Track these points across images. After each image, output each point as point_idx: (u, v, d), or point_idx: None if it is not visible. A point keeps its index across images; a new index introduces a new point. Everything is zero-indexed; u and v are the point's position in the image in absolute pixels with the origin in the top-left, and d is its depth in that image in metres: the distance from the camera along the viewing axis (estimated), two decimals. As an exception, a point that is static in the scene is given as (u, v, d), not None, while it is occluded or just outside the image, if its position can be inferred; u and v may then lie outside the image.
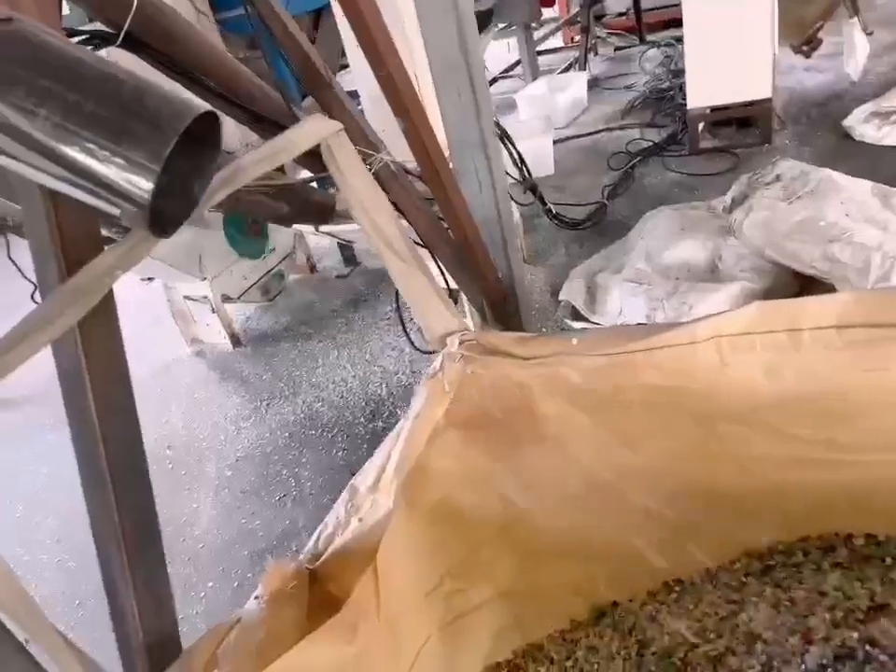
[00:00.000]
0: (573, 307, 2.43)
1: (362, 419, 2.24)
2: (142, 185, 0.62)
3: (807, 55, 3.72)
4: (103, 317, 0.80)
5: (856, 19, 3.35)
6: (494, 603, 1.31)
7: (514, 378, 1.03)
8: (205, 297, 2.67)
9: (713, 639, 1.00)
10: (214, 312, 2.71)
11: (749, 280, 2.09)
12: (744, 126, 3.33)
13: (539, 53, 4.96)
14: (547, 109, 3.82)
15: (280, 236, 2.86)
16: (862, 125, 2.98)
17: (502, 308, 1.63)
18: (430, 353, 2.07)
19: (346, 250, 3.11)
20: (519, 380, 1.04)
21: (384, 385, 2.37)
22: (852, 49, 3.40)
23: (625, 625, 1.21)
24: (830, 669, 0.83)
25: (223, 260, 2.64)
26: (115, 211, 0.64)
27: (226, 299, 2.75)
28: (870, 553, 1.07)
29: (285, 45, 1.19)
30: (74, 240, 0.79)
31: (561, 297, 2.45)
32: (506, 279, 1.67)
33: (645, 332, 0.94)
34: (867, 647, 0.85)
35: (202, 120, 0.65)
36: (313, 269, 3.20)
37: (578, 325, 2.38)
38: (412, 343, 1.74)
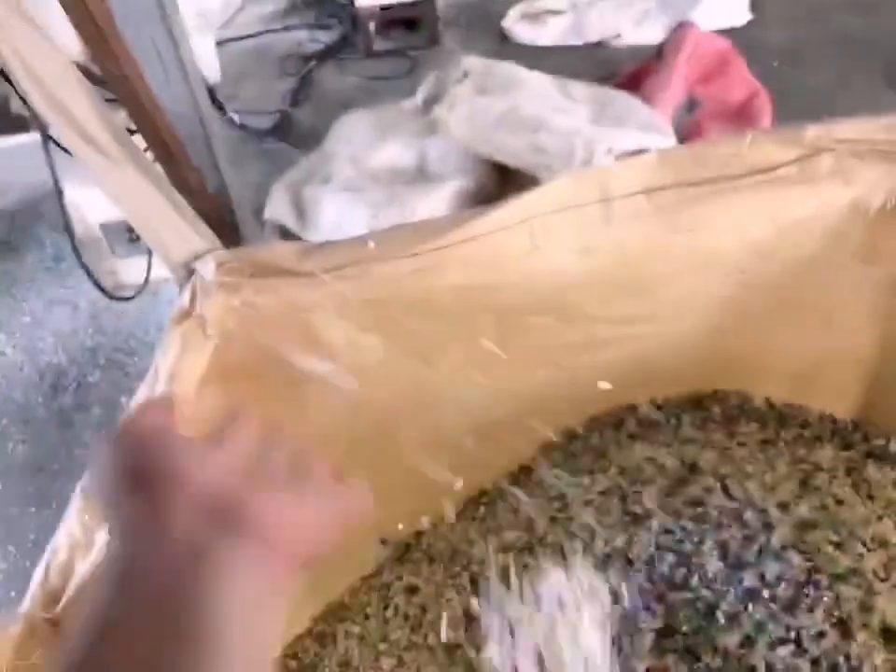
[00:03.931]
0: (281, 226, 2.17)
1: (40, 399, 1.74)
2: None
3: (455, -42, 3.80)
4: None
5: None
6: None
7: (298, 303, 0.81)
8: None
9: (548, 540, 0.95)
10: None
11: (460, 178, 2.07)
12: (412, 28, 3.29)
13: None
14: (196, 5, 3.30)
15: None
16: (517, 26, 3.15)
17: (220, 229, 1.32)
18: (122, 299, 1.66)
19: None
20: (303, 305, 0.82)
21: (60, 351, 1.87)
22: (496, -47, 3.54)
23: (441, 553, 1.12)
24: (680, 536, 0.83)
25: None
26: None
27: None
28: (654, 418, 1.12)
29: None
30: None
31: (266, 216, 2.16)
32: (218, 192, 1.37)
33: (450, 224, 0.79)
34: (699, 508, 0.87)
35: None
36: None
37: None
38: (100, 289, 1.34)
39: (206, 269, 0.75)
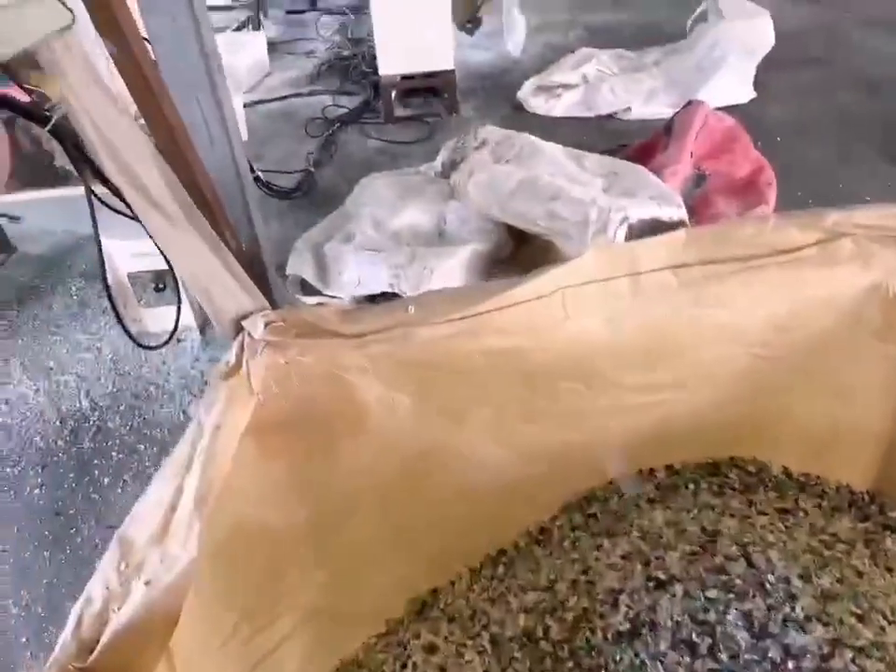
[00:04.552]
0: (302, 281, 2.23)
1: (61, 443, 1.76)
2: None
3: (471, 32, 4.00)
4: None
5: (515, 0, 3.67)
6: (300, 630, 1.11)
7: (337, 363, 0.84)
8: None
9: (571, 604, 0.96)
10: None
11: (477, 241, 2.14)
12: (431, 96, 3.44)
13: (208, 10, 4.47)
14: (227, 70, 3.46)
15: None
16: (532, 98, 3.30)
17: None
18: (151, 348, 1.70)
19: (-4, 233, 2.41)
20: (342, 364, 0.85)
21: (82, 396, 1.89)
22: (512, 28, 3.72)
23: (461, 612, 1.12)
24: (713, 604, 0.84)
25: None
26: None
27: None
28: (672, 482, 1.14)
29: None
30: None
31: (288, 271, 2.24)
32: (251, 248, 1.42)
33: (486, 292, 0.83)
34: (723, 576, 0.89)
35: None
36: (-59, 260, 2.41)
37: (310, 299, 2.21)
38: (130, 336, 1.37)
39: (255, 328, 0.79)
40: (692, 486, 1.10)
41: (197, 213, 0.74)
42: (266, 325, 0.80)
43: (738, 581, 0.88)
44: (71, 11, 0.60)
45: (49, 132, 1.20)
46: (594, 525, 1.09)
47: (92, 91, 0.65)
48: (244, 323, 0.80)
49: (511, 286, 0.83)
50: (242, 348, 0.80)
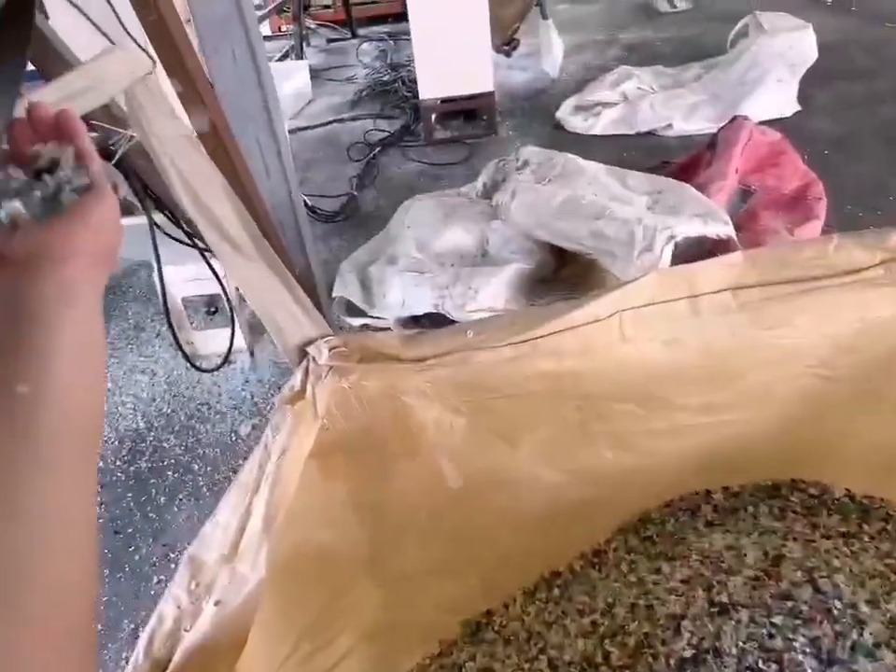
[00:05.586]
0: (348, 302, 2.27)
1: (119, 462, 1.81)
2: None
3: (508, 54, 4.04)
4: None
5: (550, 21, 3.71)
6: (357, 649, 1.12)
7: (398, 387, 0.86)
8: None
9: (631, 629, 0.95)
10: None
11: (521, 261, 2.15)
12: (471, 118, 3.48)
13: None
14: (272, 98, 3.57)
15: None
16: (571, 117, 3.31)
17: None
18: (206, 371, 1.75)
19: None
20: (402, 388, 0.87)
21: (138, 417, 1.95)
22: (549, 49, 3.75)
23: (516, 635, 1.12)
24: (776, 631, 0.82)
25: None
26: None
27: None
28: (730, 505, 1.12)
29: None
30: None
31: (335, 293, 2.28)
32: (304, 274, 1.46)
33: (545, 316, 0.84)
34: (788, 602, 0.87)
35: None
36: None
37: (355, 321, 2.25)
38: (186, 358, 1.42)
39: (320, 353, 0.81)
40: (751, 509, 1.08)
41: (264, 243, 0.77)
42: (330, 350, 0.82)
43: (805, 608, 0.86)
44: (152, 58, 0.64)
45: (114, 165, 1.26)
46: (650, 547, 1.08)
47: (170, 131, 0.68)
48: (308, 349, 0.83)
49: (567, 309, 0.83)
50: (306, 373, 0.83)
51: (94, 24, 0.72)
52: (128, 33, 0.79)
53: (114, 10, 0.80)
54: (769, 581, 0.91)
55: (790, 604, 0.87)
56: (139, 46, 0.70)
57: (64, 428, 0.34)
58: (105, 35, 0.76)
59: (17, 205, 0.38)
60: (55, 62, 0.78)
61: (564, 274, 2.33)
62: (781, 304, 0.82)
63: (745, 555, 0.96)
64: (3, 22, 0.37)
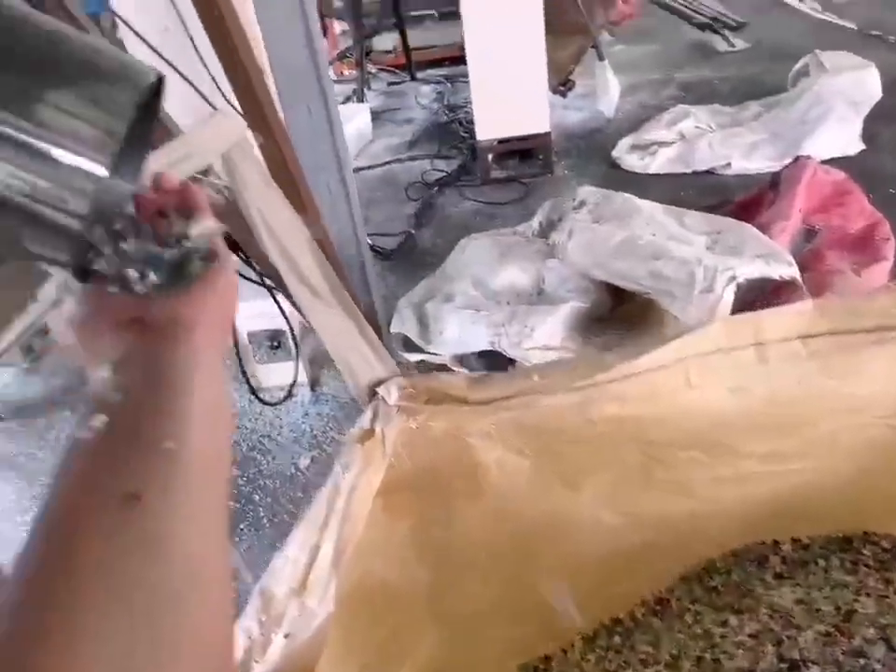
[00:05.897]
0: (404, 338, 2.32)
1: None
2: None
3: (564, 95, 4.10)
4: None
5: (606, 62, 3.76)
6: (414, 689, 1.13)
7: (463, 428, 0.88)
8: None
9: (694, 681, 0.93)
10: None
11: (577, 300, 2.16)
12: (526, 157, 3.53)
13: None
14: (334, 139, 3.71)
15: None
16: (627, 156, 3.33)
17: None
18: (271, 404, 1.80)
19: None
20: (467, 429, 0.89)
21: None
22: (606, 89, 3.80)
23: (576, 682, 1.11)
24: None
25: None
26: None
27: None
28: (800, 557, 1.09)
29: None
30: None
31: (393, 329, 2.33)
32: (368, 314, 1.50)
33: (611, 361, 0.85)
34: (861, 660, 0.84)
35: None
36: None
37: (412, 356, 2.28)
38: (253, 391, 1.49)
39: (389, 394, 0.84)
40: (822, 562, 1.05)
41: (342, 290, 0.82)
42: (399, 391, 0.85)
43: (878, 666, 0.83)
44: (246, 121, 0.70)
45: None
46: (716, 598, 1.06)
47: (261, 187, 0.73)
48: (378, 389, 0.86)
49: (633, 355, 0.84)
50: (376, 413, 0.86)
51: (201, 94, 0.79)
52: (221, 93, 0.86)
53: (210, 74, 0.87)
54: (841, 637, 0.88)
55: (862, 661, 0.84)
56: (234, 108, 0.75)
57: (202, 482, 0.37)
58: (206, 99, 0.82)
59: (156, 275, 0.42)
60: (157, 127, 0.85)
61: (620, 313, 2.32)
62: (852, 354, 0.82)
63: (817, 611, 0.94)
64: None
